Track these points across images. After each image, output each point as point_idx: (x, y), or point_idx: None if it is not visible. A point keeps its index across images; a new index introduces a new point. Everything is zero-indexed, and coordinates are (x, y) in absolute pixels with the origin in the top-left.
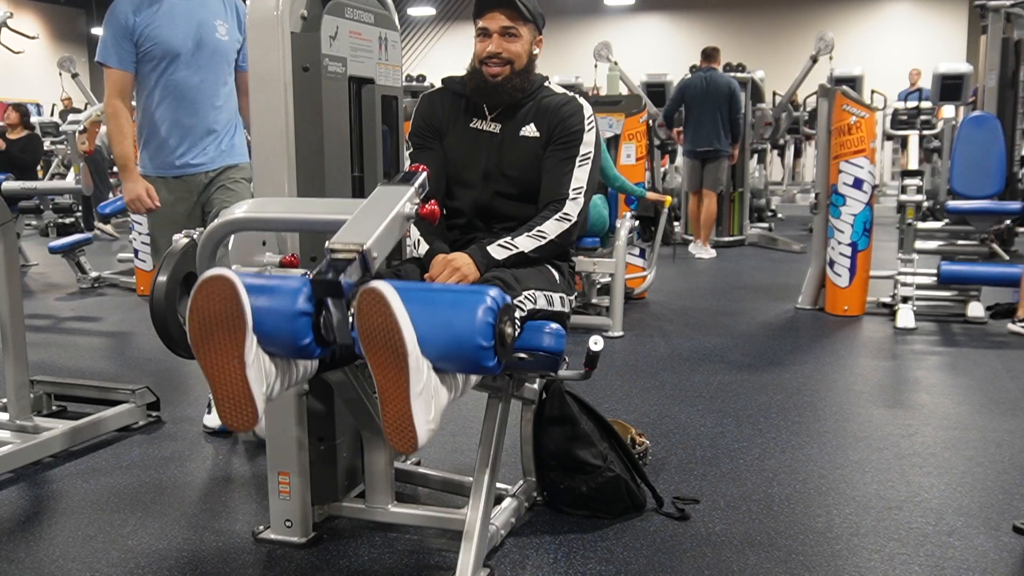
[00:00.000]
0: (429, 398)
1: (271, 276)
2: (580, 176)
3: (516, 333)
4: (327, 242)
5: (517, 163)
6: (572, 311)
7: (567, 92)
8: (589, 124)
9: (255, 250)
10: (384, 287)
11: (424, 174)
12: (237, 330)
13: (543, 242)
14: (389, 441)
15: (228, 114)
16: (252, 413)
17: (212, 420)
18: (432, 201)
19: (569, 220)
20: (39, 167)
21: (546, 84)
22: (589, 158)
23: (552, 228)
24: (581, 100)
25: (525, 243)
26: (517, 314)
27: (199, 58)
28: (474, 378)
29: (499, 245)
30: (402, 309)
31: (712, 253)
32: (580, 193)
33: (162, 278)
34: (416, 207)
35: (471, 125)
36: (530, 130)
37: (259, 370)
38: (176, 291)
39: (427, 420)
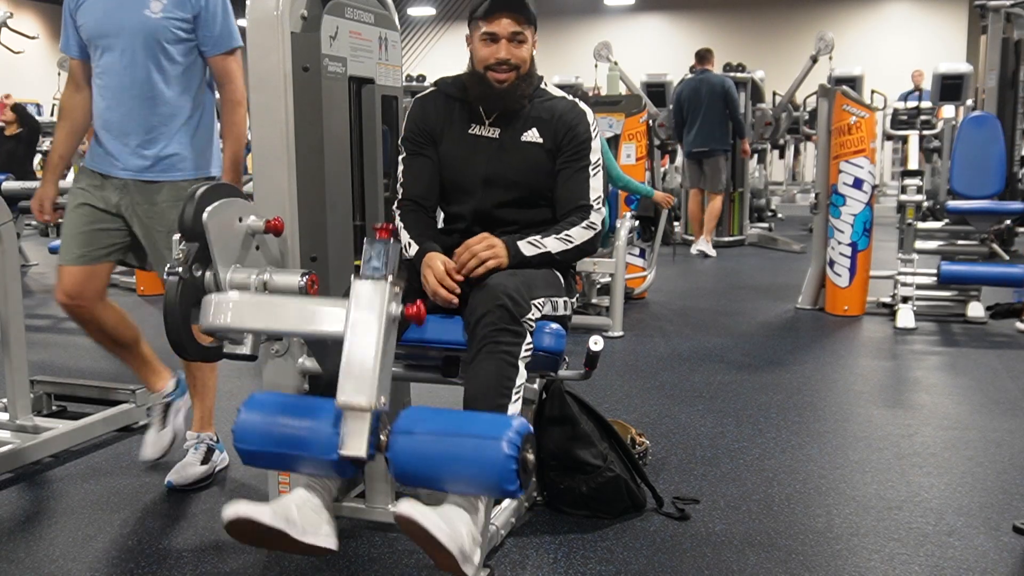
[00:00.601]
0: (477, 559)
1: (310, 401)
2: (596, 185)
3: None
4: (336, 400)
5: (519, 168)
6: (573, 312)
7: (565, 95)
8: (594, 130)
9: (235, 222)
10: (413, 511)
11: (392, 243)
12: (280, 535)
13: (569, 246)
14: None
15: (168, 112)
16: (326, 551)
17: (148, 451)
18: (418, 301)
19: (594, 229)
20: (36, 158)
21: (543, 86)
22: (600, 165)
23: (579, 235)
24: (582, 105)
25: (553, 244)
26: (533, 315)
27: (122, 40)
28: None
29: (528, 243)
30: (439, 526)
31: (712, 252)
32: (601, 203)
33: (171, 297)
34: (400, 308)
35: (470, 131)
36: (532, 135)
37: (315, 529)
38: (187, 305)
39: (475, 567)
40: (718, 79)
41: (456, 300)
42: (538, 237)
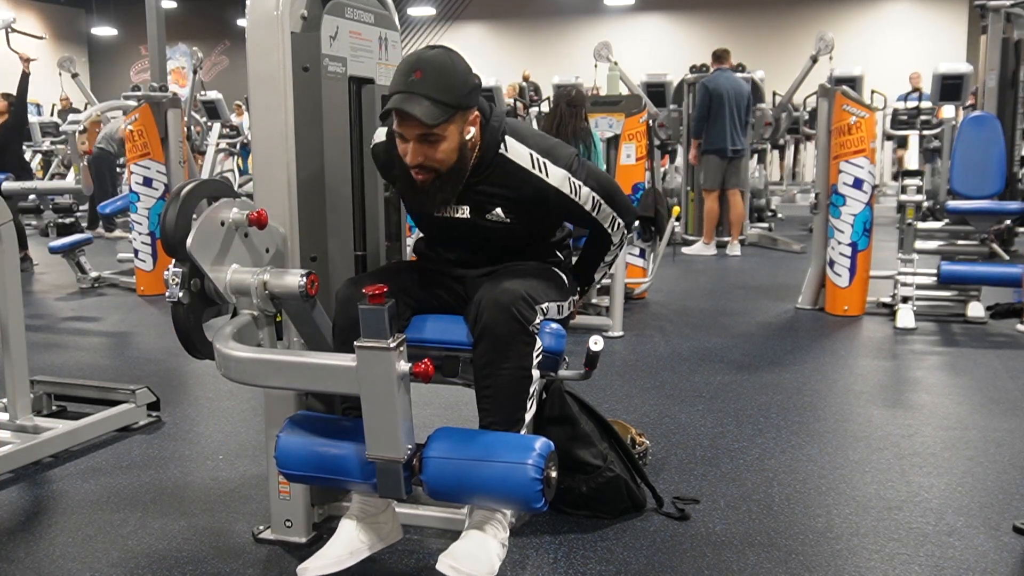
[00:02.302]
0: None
1: (340, 421)
2: (604, 214)
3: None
4: (367, 454)
5: (495, 239)
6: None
7: (523, 165)
8: (575, 190)
9: (217, 228)
10: (454, 566)
11: (393, 311)
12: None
13: (607, 270)
14: None
15: None
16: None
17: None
18: (426, 360)
19: (621, 230)
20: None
21: (501, 150)
22: (599, 201)
23: (611, 255)
24: (552, 178)
25: (598, 273)
26: (539, 320)
27: None
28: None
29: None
30: (477, 567)
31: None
32: (605, 220)
33: (180, 317)
34: (409, 365)
35: (436, 215)
36: (498, 215)
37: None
38: (196, 315)
39: None
40: (741, 80)
41: None
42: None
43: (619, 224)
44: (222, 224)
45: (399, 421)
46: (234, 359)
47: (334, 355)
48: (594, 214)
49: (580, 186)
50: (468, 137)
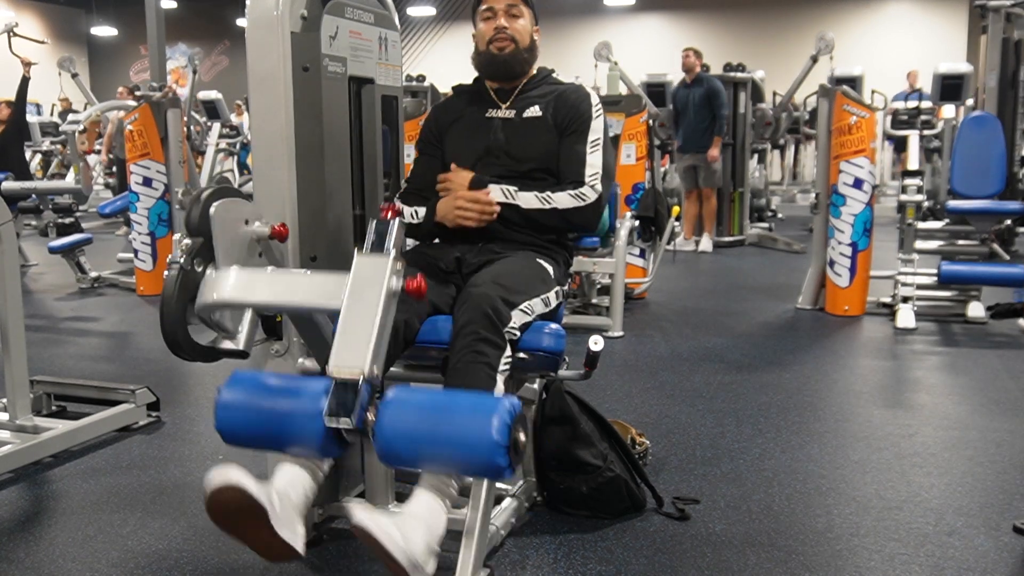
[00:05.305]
0: (431, 568)
1: (294, 378)
2: (594, 162)
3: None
4: (327, 367)
5: (516, 143)
6: (567, 296)
7: (574, 82)
8: (597, 111)
9: (241, 224)
10: (368, 521)
11: (395, 222)
12: (260, 516)
13: (546, 207)
14: None
15: None
16: (293, 552)
17: None
18: (419, 276)
19: (584, 200)
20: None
21: (554, 75)
22: (599, 144)
23: (562, 200)
24: (588, 88)
25: (526, 200)
26: (517, 322)
27: None
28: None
29: (501, 189)
30: (390, 534)
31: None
32: (596, 179)
33: (170, 290)
34: (401, 282)
35: (486, 115)
36: (534, 111)
37: (291, 524)
38: (185, 299)
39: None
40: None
41: (498, 209)
42: (515, 189)
43: (577, 192)
44: (247, 222)
45: (374, 335)
46: (221, 275)
47: (327, 273)
48: (587, 153)
49: (602, 115)
50: (535, 38)
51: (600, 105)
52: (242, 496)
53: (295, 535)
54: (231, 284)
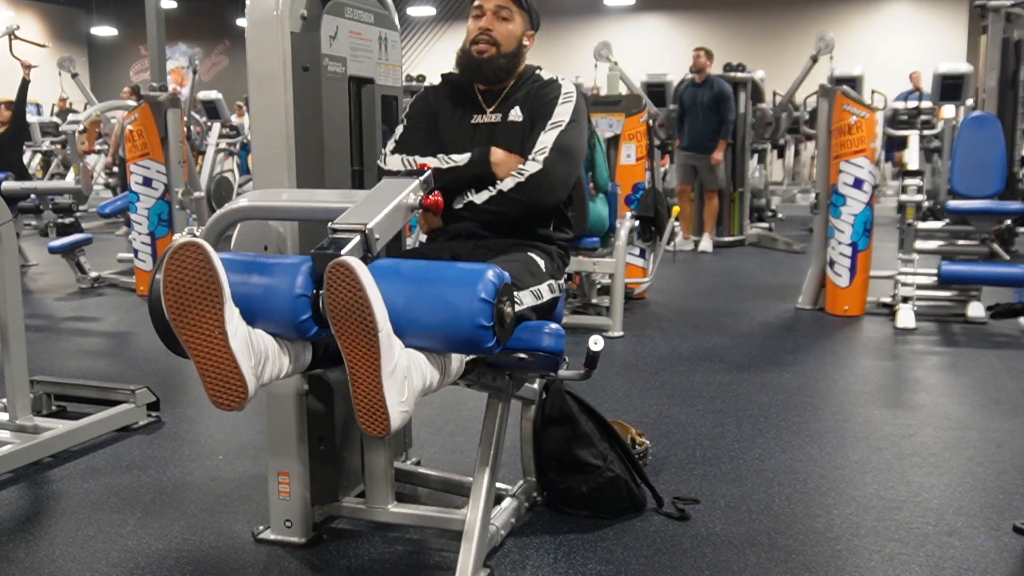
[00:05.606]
0: (402, 379)
1: (270, 256)
2: (544, 139)
3: (515, 312)
4: (330, 223)
5: (503, 148)
6: (566, 293)
7: (554, 77)
8: (564, 98)
9: (260, 249)
10: (353, 261)
11: (429, 172)
12: (214, 298)
13: (492, 193)
14: (361, 424)
15: None
16: (241, 388)
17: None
18: (436, 192)
19: (522, 174)
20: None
21: (537, 71)
22: (558, 125)
23: (506, 183)
24: (563, 80)
25: (480, 196)
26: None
27: None
28: (456, 364)
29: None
30: (372, 283)
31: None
32: (541, 153)
33: (160, 276)
34: (420, 198)
35: (472, 121)
36: (515, 114)
37: (245, 342)
38: None
39: (400, 402)
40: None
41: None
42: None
43: (522, 167)
44: (265, 248)
45: (386, 210)
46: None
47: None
48: (542, 134)
49: (571, 102)
50: (524, 43)
51: (573, 93)
52: (203, 263)
53: (247, 363)
54: (249, 197)
